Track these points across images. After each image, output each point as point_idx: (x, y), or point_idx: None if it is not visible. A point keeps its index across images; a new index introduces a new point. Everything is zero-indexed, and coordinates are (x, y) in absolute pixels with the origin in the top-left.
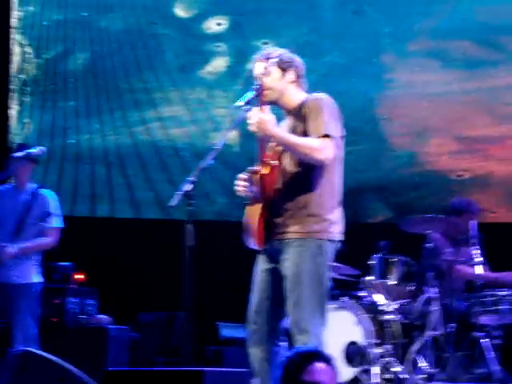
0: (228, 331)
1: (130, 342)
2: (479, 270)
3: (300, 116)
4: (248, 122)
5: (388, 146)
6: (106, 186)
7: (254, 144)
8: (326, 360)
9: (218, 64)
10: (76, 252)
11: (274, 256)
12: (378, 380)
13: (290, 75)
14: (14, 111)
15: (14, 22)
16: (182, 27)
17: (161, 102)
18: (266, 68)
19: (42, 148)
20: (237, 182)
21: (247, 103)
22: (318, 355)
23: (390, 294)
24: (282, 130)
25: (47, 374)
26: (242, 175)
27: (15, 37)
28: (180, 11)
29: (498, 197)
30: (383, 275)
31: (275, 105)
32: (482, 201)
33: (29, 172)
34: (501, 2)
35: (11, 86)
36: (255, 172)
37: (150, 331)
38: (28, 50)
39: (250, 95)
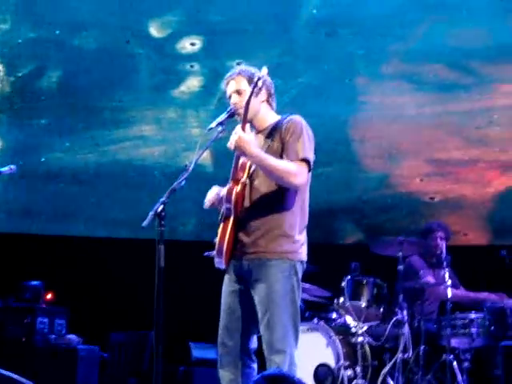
0: (199, 352)
1: (100, 362)
2: (452, 291)
3: (273, 136)
4: (229, 141)
5: (360, 168)
6: (77, 204)
7: (227, 164)
8: (293, 382)
9: (192, 84)
10: (46, 271)
11: (243, 276)
12: None
13: (263, 95)
14: None
15: None
16: (156, 46)
17: (134, 121)
18: (240, 86)
19: (11, 166)
20: (207, 196)
21: (219, 124)
22: (284, 378)
23: (361, 315)
24: (262, 152)
25: None
26: (211, 191)
27: None
28: (154, 30)
29: (469, 219)
30: (354, 297)
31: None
32: (454, 223)
33: None
34: (472, 26)
35: None
36: (229, 189)
37: (120, 351)
38: (0, 67)
39: (223, 116)
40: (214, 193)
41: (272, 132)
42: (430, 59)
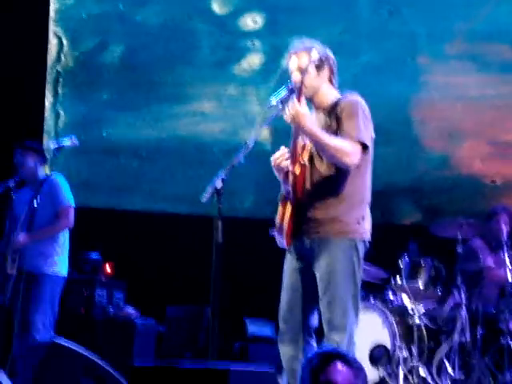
0: (255, 328)
1: (156, 336)
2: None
3: (333, 115)
4: (285, 113)
5: (421, 149)
6: (137, 179)
7: (286, 143)
8: (347, 361)
9: (253, 61)
10: (105, 243)
11: (305, 255)
12: (404, 383)
13: (325, 72)
14: (48, 102)
15: (51, 13)
16: (218, 23)
17: (194, 97)
18: (302, 64)
19: (72, 138)
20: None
21: (280, 102)
22: (338, 356)
23: (418, 296)
24: (317, 128)
25: (73, 364)
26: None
27: (52, 28)
28: (216, 7)
29: None
30: (411, 277)
31: (307, 101)
32: None
33: (37, 164)
34: None
35: (47, 77)
36: (288, 171)
37: (177, 325)
38: (64, 41)
39: (283, 93)
40: (282, 152)
41: (331, 110)
42: (494, 39)
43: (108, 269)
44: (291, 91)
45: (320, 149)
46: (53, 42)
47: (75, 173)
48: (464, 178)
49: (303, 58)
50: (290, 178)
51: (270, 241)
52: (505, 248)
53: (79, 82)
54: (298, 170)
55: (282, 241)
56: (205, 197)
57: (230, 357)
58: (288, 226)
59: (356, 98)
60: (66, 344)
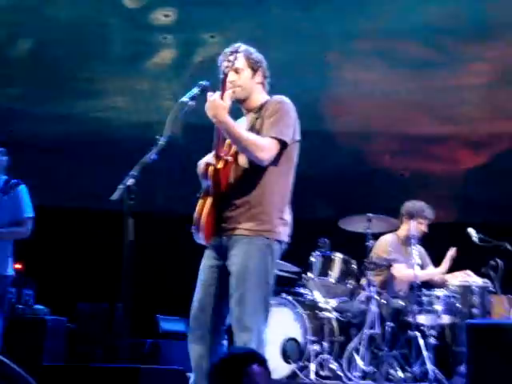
0: (167, 324)
1: (67, 333)
2: (417, 270)
3: (259, 116)
4: (206, 104)
5: (332, 144)
6: (48, 175)
7: (197, 138)
8: (262, 362)
9: (165, 55)
10: (14, 241)
11: (223, 252)
12: (314, 377)
13: (259, 76)
14: None
15: None
16: (130, 17)
17: (106, 93)
18: (239, 64)
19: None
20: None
21: (192, 98)
22: (255, 357)
23: (329, 291)
24: (232, 121)
25: None
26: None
27: None
28: (128, 1)
29: (438, 196)
30: (323, 272)
31: (238, 103)
32: (423, 200)
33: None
34: (447, 4)
35: None
36: (209, 165)
37: (88, 322)
38: None
39: (195, 91)
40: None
41: (258, 111)
42: (403, 37)
43: (17, 266)
44: (203, 90)
45: (235, 142)
46: None
47: None
48: (374, 173)
49: (240, 59)
50: (212, 173)
51: (184, 236)
52: (412, 242)
53: None
54: (221, 165)
55: (199, 236)
56: (115, 195)
57: (142, 354)
58: (206, 222)
59: (281, 98)
60: None
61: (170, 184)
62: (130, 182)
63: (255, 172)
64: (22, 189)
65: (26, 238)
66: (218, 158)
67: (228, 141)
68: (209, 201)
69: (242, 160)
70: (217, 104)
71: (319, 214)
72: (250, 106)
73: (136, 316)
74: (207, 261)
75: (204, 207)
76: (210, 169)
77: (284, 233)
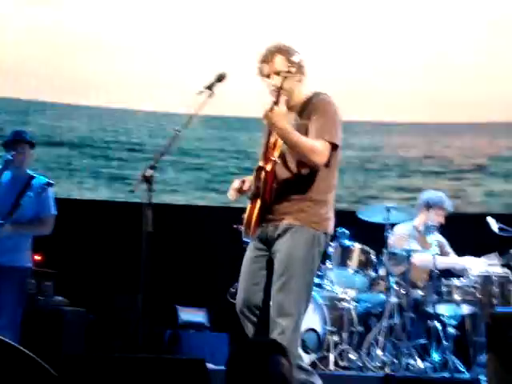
0: (186, 315)
1: (86, 325)
2: (438, 259)
3: (304, 113)
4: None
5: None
6: (69, 166)
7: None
8: (286, 354)
9: None
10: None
11: (268, 242)
12: (334, 367)
13: (298, 74)
14: None
15: None
16: None
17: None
18: (282, 67)
19: None
20: (230, 188)
21: (208, 88)
22: (281, 348)
23: (348, 281)
24: (290, 127)
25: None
26: (235, 182)
27: None
28: None
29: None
30: (342, 263)
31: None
32: None
33: (28, 156)
34: None
35: None
36: (260, 169)
37: (107, 313)
38: None
39: (212, 80)
40: (237, 184)
41: (302, 109)
42: None
43: (37, 258)
44: (219, 79)
45: (291, 147)
46: None
47: None
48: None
49: (279, 61)
50: (262, 174)
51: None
52: (431, 231)
53: None
54: (269, 167)
55: (248, 237)
56: (135, 186)
57: (162, 345)
58: (255, 223)
59: (327, 97)
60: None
61: (187, 176)
62: (149, 172)
63: (303, 172)
64: (49, 187)
65: (47, 234)
66: (267, 160)
67: (274, 140)
68: (258, 202)
69: (289, 160)
70: (277, 112)
71: (337, 205)
72: (292, 105)
73: (155, 307)
74: (251, 252)
75: (254, 209)
76: (263, 173)
77: (330, 227)
